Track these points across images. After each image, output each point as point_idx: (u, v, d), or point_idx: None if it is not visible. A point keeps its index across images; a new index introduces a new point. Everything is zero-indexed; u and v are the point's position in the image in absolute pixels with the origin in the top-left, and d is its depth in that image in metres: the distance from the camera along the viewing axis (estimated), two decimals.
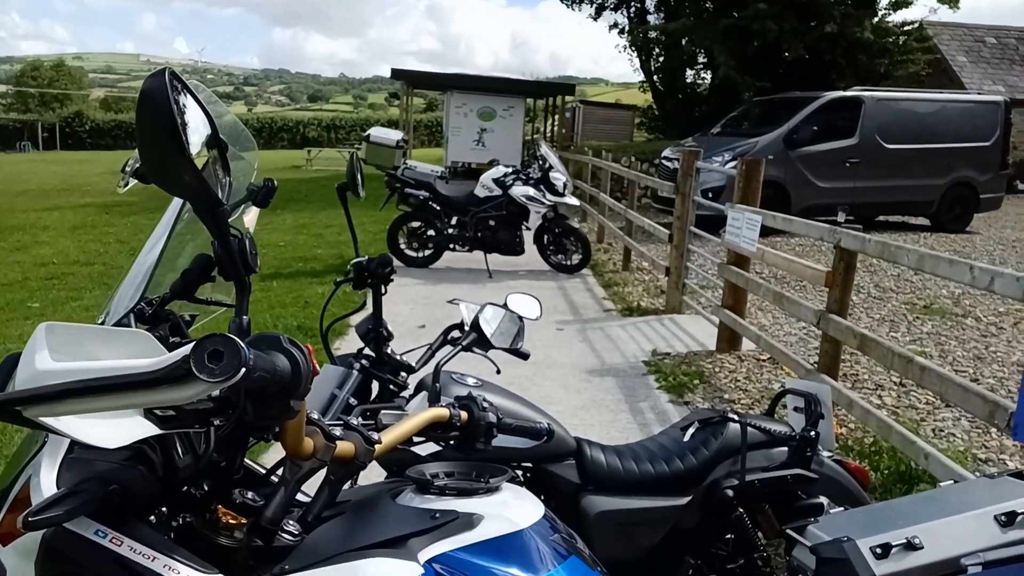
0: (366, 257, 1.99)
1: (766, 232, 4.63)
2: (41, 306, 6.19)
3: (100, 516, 0.88)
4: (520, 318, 1.94)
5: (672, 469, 1.79)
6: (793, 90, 12.51)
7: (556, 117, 24.05)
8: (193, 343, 0.72)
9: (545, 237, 7.94)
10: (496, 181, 7.85)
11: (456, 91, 19.09)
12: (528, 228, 7.83)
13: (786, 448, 1.82)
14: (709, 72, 18.95)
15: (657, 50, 20.06)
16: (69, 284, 7.04)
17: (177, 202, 1.39)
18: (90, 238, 9.77)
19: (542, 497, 1.22)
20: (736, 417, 1.85)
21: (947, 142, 10.80)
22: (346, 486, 1.12)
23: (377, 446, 1.07)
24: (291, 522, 1.01)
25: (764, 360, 4.86)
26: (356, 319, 2.05)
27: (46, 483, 0.91)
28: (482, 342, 1.84)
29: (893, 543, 1.22)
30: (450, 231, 7.78)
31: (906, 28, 16.42)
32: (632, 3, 21.07)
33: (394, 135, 7.79)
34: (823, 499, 1.77)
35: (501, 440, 1.29)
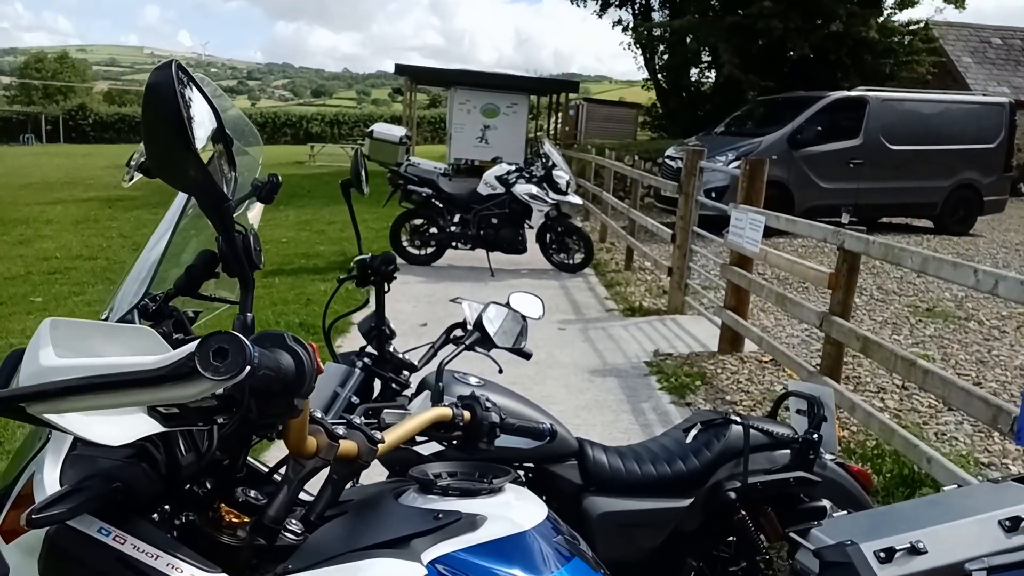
0: (369, 255, 1.98)
1: (769, 233, 4.62)
2: (44, 300, 6.20)
3: (103, 514, 0.88)
4: (523, 317, 1.94)
5: (674, 471, 1.79)
6: (797, 89, 12.49)
7: (559, 115, 24.03)
8: (198, 340, 0.71)
9: (548, 236, 7.93)
10: (499, 179, 7.84)
11: (460, 87, 19.05)
12: (531, 226, 7.82)
13: (789, 451, 1.81)
14: (713, 70, 18.93)
15: (661, 48, 20.04)
16: (72, 279, 7.04)
17: (182, 197, 1.38)
18: (93, 232, 9.78)
19: (544, 498, 1.22)
20: (738, 419, 1.85)
21: (951, 144, 10.77)
22: (348, 485, 1.12)
23: (380, 445, 1.07)
24: (294, 521, 1.00)
25: (766, 362, 4.85)
26: (359, 317, 2.05)
27: (49, 480, 0.91)
28: (485, 341, 1.84)
29: (897, 547, 1.22)
30: (453, 229, 7.78)
31: (911, 28, 16.38)
32: (637, 0, 21.05)
33: (397, 131, 7.78)
34: (826, 502, 1.77)
35: (504, 440, 1.28)
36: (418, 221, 7.92)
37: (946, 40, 17.37)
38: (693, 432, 1.85)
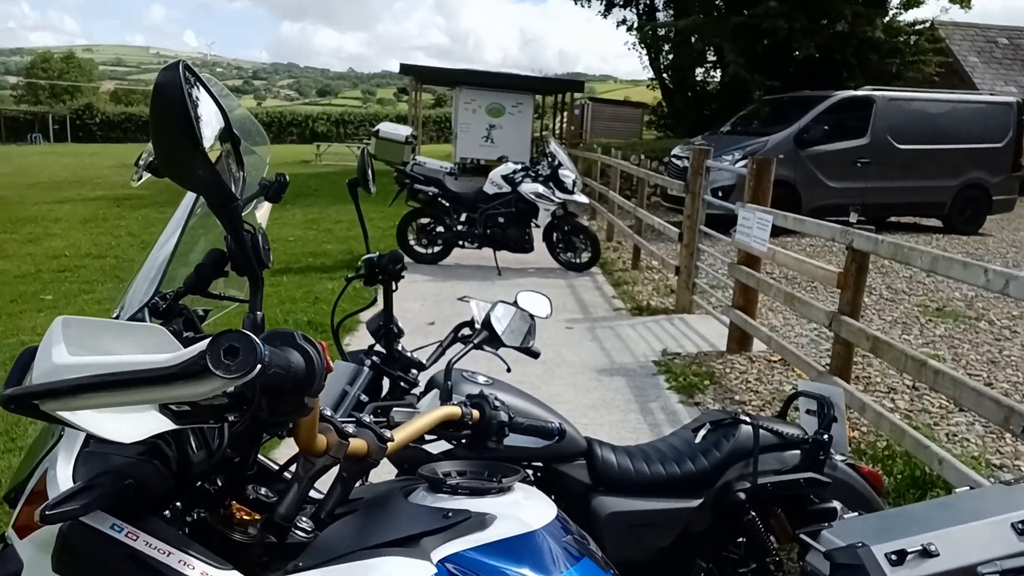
0: (377, 253, 1.98)
1: (776, 232, 4.60)
2: (54, 298, 6.22)
3: (116, 510, 0.88)
4: (531, 316, 1.94)
5: (683, 471, 1.78)
6: (803, 89, 12.45)
7: (565, 114, 24.02)
8: (209, 339, 0.72)
9: (554, 235, 7.92)
10: (505, 178, 7.83)
11: (465, 87, 19.07)
12: (537, 225, 7.82)
13: (798, 451, 1.80)
14: (719, 70, 18.88)
15: (666, 47, 20.01)
16: (81, 277, 7.07)
17: (190, 196, 1.38)
18: (101, 231, 9.82)
19: (552, 497, 1.22)
20: (748, 419, 1.84)
21: (959, 143, 10.73)
22: (358, 484, 1.12)
23: (389, 444, 1.07)
24: (304, 519, 1.00)
25: (775, 361, 4.83)
26: (367, 315, 2.05)
27: (62, 477, 0.91)
28: (493, 340, 1.84)
29: (909, 550, 1.21)
30: (459, 228, 7.78)
31: (917, 28, 16.31)
32: (641, 0, 21.02)
33: (403, 131, 7.78)
34: (836, 504, 1.76)
35: (512, 439, 1.28)
36: (425, 220, 7.92)
37: (952, 40, 17.28)
38: (702, 432, 1.85)
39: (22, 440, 3.40)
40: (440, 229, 7.88)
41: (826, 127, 10.31)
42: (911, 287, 7.14)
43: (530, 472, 1.77)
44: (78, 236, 9.35)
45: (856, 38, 14.71)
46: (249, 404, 0.84)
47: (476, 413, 1.22)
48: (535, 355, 1.94)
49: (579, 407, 3.98)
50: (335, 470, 1.04)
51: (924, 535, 1.23)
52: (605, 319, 6.02)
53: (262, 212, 1.59)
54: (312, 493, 1.07)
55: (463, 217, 7.79)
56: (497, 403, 1.24)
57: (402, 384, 1.92)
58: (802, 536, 1.31)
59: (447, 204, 7.75)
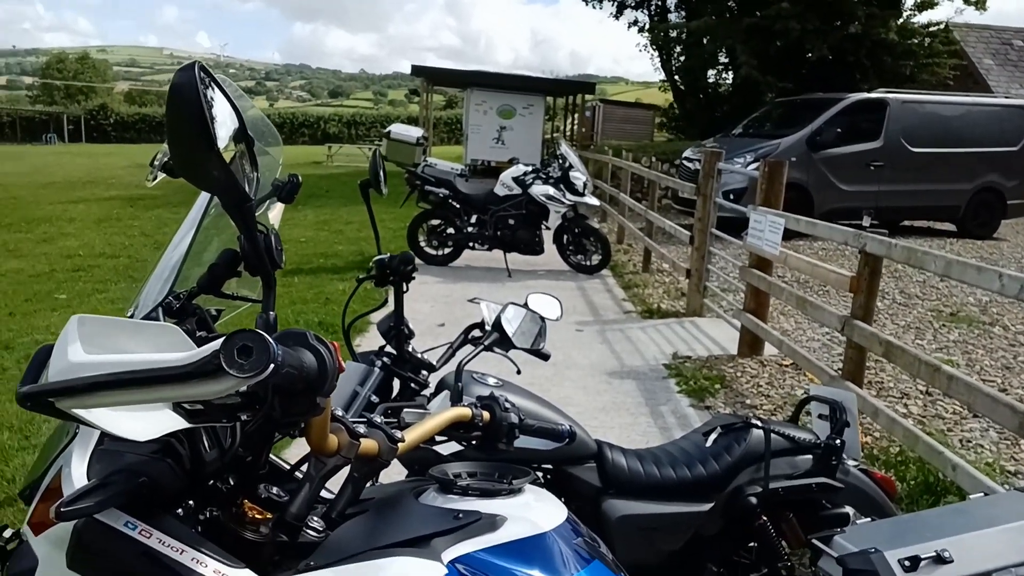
0: (388, 254, 1.99)
1: (788, 235, 4.58)
2: (68, 298, 6.27)
3: (129, 508, 0.89)
4: (541, 318, 1.94)
5: (694, 474, 1.77)
6: (816, 91, 12.38)
7: (576, 116, 24.00)
8: (223, 338, 0.72)
9: (565, 237, 7.91)
10: (516, 180, 7.84)
11: (476, 88, 19.08)
12: (548, 227, 7.82)
13: (810, 456, 1.79)
14: (731, 72, 18.81)
15: (678, 49, 19.95)
16: (95, 276, 7.12)
17: (204, 197, 1.39)
18: (115, 231, 9.89)
19: (563, 500, 1.21)
20: (759, 423, 1.83)
21: (973, 146, 10.64)
22: (369, 484, 1.12)
23: (400, 444, 1.07)
24: (315, 518, 1.01)
25: (787, 366, 4.81)
26: (377, 316, 2.05)
27: (77, 474, 0.92)
28: (503, 342, 1.84)
29: (922, 556, 1.20)
30: (470, 229, 7.79)
31: (931, 30, 16.19)
32: (653, 1, 20.99)
33: (414, 132, 7.80)
34: (849, 509, 1.74)
35: (523, 441, 1.28)
36: (435, 221, 7.93)
37: (967, 42, 17.14)
38: (713, 436, 1.84)
39: (36, 438, 3.43)
40: (451, 231, 7.89)
41: (839, 130, 10.26)
42: (925, 292, 7.08)
43: (540, 474, 1.77)
44: (92, 236, 9.43)
45: (869, 40, 14.63)
46: (262, 403, 0.85)
47: (486, 415, 1.22)
48: (545, 357, 1.94)
49: (589, 410, 3.98)
50: (346, 470, 1.05)
51: (938, 541, 1.22)
52: (615, 322, 6.00)
53: (275, 213, 1.60)
54: (323, 493, 1.08)
55: (474, 219, 7.80)
56: (507, 405, 1.24)
57: (412, 385, 1.92)
58: (814, 541, 1.30)
59: (458, 206, 7.77)
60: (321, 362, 0.84)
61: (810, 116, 10.49)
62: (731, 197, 8.56)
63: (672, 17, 20.78)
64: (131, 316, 1.28)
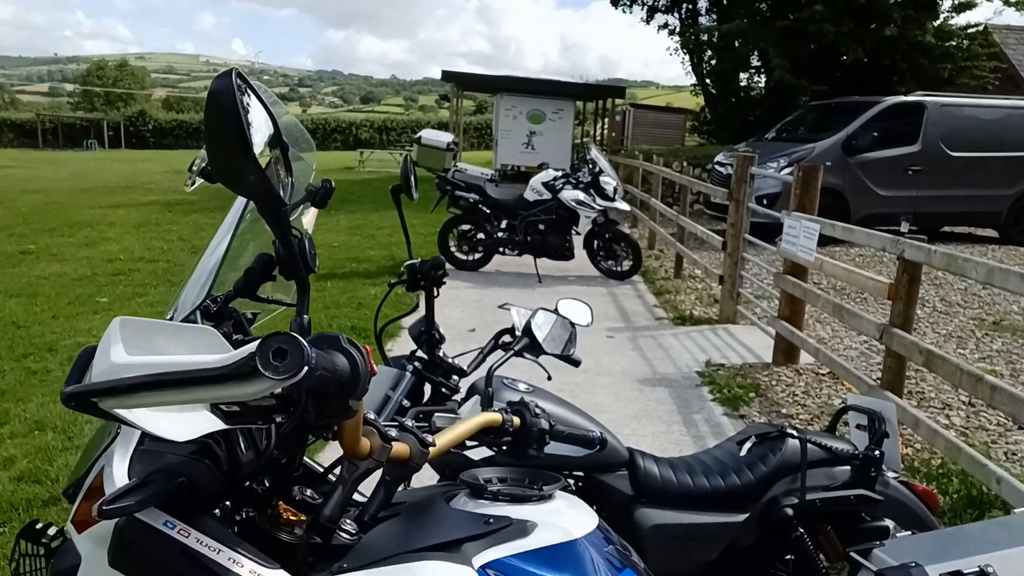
0: (419, 259, 2.00)
1: (823, 241, 4.50)
2: (109, 301, 6.42)
3: (169, 507, 0.91)
4: (571, 324, 1.93)
5: (728, 484, 1.74)
6: (851, 94, 12.18)
7: (606, 120, 23.94)
8: (258, 341, 0.73)
9: (595, 242, 7.88)
10: (546, 185, 7.83)
11: (505, 93, 19.15)
12: (578, 233, 7.79)
13: (848, 467, 1.75)
14: (763, 75, 18.61)
15: (709, 52, 19.79)
16: (135, 280, 7.28)
17: (240, 202, 1.41)
18: (154, 235, 10.11)
19: (594, 507, 1.20)
20: (795, 433, 1.79)
21: (1015, 151, 10.38)
22: (400, 487, 1.12)
23: (431, 449, 1.08)
24: (348, 521, 1.02)
25: (824, 374, 4.72)
26: (409, 321, 2.06)
27: (118, 473, 0.94)
28: (533, 347, 1.83)
29: (964, 571, 1.17)
30: (500, 235, 7.80)
31: (970, 31, 15.83)
32: (684, 4, 20.86)
33: (445, 137, 7.84)
34: (889, 522, 1.70)
35: (553, 447, 1.27)
36: (466, 227, 7.96)
37: (1007, 44, 16.72)
38: (747, 445, 1.81)
39: (79, 439, 3.51)
40: (481, 236, 7.91)
41: (875, 133, 10.08)
42: (966, 299, 6.91)
43: (571, 481, 1.75)
44: (132, 240, 9.64)
45: (906, 42, 14.37)
46: (296, 405, 0.86)
47: (516, 420, 1.22)
48: (576, 363, 1.93)
49: (621, 417, 3.95)
50: (378, 473, 1.05)
51: (981, 556, 1.19)
52: (647, 328, 5.96)
53: (308, 218, 1.62)
54: (356, 496, 1.08)
55: (504, 224, 7.81)
56: (538, 410, 1.24)
57: (443, 390, 1.93)
58: (853, 555, 1.28)
59: (488, 211, 7.78)
60: (354, 365, 0.85)
61: (845, 120, 10.33)
62: (764, 202, 8.45)
63: (703, 20, 20.64)
64: (171, 318, 1.30)
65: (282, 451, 1.04)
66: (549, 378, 1.96)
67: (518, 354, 1.81)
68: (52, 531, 1.09)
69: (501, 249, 7.84)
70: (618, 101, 23.51)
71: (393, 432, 1.04)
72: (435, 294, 1.99)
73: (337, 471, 1.06)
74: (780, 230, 4.79)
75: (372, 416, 1.02)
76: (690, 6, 20.88)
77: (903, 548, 1.26)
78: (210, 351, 0.81)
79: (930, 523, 1.76)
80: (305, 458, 1.13)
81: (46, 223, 10.98)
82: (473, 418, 1.19)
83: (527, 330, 1.83)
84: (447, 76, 21.63)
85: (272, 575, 0.91)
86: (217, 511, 0.99)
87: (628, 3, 21.36)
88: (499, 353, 1.83)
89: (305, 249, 1.10)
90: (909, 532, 1.59)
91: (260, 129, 0.92)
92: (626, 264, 7.88)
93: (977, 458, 2.86)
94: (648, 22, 21.39)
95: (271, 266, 1.34)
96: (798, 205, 4.81)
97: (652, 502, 1.72)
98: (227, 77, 0.88)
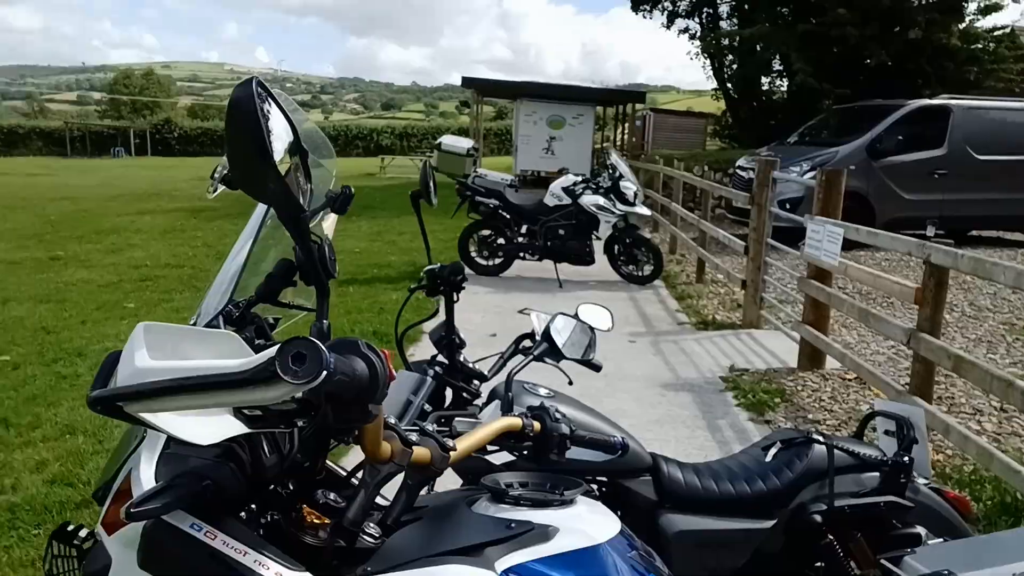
0: (439, 264, 2.00)
1: (848, 246, 4.44)
2: (135, 307, 6.51)
3: (195, 510, 0.91)
4: (592, 329, 1.92)
5: (754, 490, 1.72)
6: (875, 98, 12.04)
7: (626, 125, 23.87)
8: (278, 346, 0.73)
9: (615, 247, 7.85)
10: (566, 190, 7.82)
11: (525, 99, 19.17)
12: (598, 238, 7.77)
13: (877, 473, 1.71)
14: (785, 79, 18.46)
15: (730, 57, 19.69)
16: (161, 286, 7.38)
17: (261, 208, 1.42)
18: (179, 242, 10.25)
19: (618, 513, 1.19)
20: (821, 438, 1.76)
21: None
22: (423, 492, 1.12)
23: (452, 453, 1.08)
24: (372, 524, 1.02)
25: (850, 379, 4.65)
26: (429, 326, 2.06)
27: (145, 476, 0.95)
28: (553, 352, 1.82)
29: None
30: (520, 240, 7.80)
31: (996, 34, 15.57)
32: (705, 9, 20.77)
33: (465, 143, 7.86)
34: (920, 529, 1.66)
35: (575, 452, 1.27)
36: (486, 232, 7.97)
37: None
38: (773, 450, 1.78)
39: (109, 442, 3.56)
40: (501, 241, 7.92)
41: (900, 137, 9.96)
42: (996, 304, 6.78)
43: (594, 487, 1.74)
44: (157, 247, 9.79)
45: (931, 45, 14.18)
46: (316, 410, 0.86)
47: (537, 425, 1.22)
48: (597, 368, 1.92)
49: (644, 422, 3.92)
50: (400, 477, 1.05)
51: (1015, 564, 1.16)
52: (669, 333, 5.92)
53: (328, 224, 1.62)
54: (379, 500, 1.08)
55: (524, 229, 7.81)
56: (558, 415, 1.24)
57: (464, 395, 1.92)
58: (884, 562, 1.25)
59: (508, 216, 7.79)
60: (372, 370, 0.86)
61: (869, 123, 10.22)
62: (787, 207, 8.37)
63: (724, 25, 20.54)
64: (194, 324, 1.32)
65: (304, 455, 1.04)
66: (571, 383, 1.95)
67: (538, 359, 1.80)
68: (84, 533, 1.11)
69: (521, 254, 7.83)
70: (638, 106, 23.43)
71: (414, 436, 1.05)
72: (455, 299, 1.99)
73: (360, 475, 1.06)
74: (803, 234, 4.74)
75: (393, 421, 1.02)
76: (711, 10, 20.80)
77: (935, 555, 1.24)
78: (232, 356, 0.82)
79: (963, 530, 1.72)
80: (328, 462, 1.13)
81: (74, 230, 11.19)
82: (493, 423, 1.19)
83: (546, 335, 1.82)
84: (467, 82, 21.71)
85: None
86: (243, 514, 0.99)
87: (648, 8, 21.33)
88: (519, 358, 1.83)
89: (325, 255, 1.11)
90: (941, 539, 1.55)
91: (280, 136, 0.93)
92: (647, 269, 7.84)
93: (1011, 464, 2.79)
94: (668, 27, 21.34)
95: (292, 272, 1.35)
96: (821, 209, 4.76)
97: (676, 508, 1.70)
98: (248, 85, 0.89)
